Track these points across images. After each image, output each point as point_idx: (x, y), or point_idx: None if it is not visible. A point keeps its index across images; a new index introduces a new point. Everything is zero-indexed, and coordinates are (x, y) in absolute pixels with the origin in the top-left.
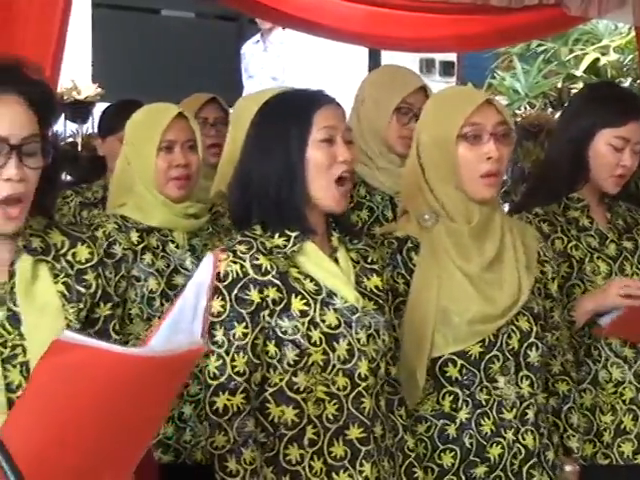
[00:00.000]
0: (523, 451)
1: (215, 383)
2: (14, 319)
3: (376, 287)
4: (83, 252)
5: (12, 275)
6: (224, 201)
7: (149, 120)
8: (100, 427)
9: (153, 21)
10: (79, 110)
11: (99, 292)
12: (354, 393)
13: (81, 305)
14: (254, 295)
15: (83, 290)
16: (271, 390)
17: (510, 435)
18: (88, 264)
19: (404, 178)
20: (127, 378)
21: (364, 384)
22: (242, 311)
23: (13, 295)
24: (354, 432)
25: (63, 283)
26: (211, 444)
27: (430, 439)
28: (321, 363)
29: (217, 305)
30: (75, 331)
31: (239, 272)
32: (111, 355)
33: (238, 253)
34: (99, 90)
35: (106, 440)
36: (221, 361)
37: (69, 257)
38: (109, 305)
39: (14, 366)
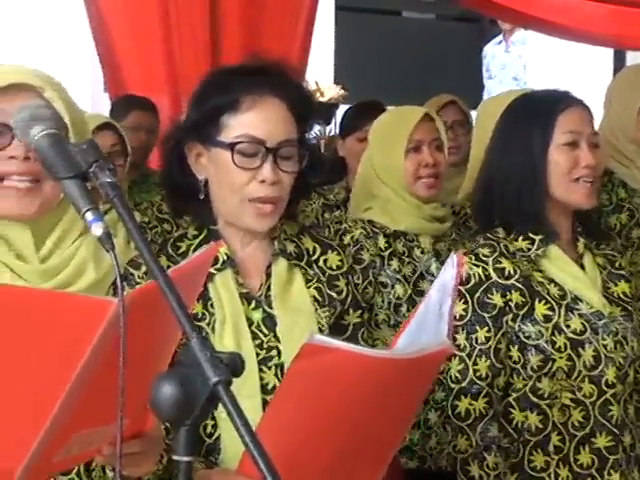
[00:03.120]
0: None
1: (457, 387)
2: (270, 321)
3: (624, 293)
4: (334, 259)
5: (268, 277)
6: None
7: (396, 122)
8: (351, 428)
9: (394, 23)
10: (322, 112)
11: (349, 299)
12: (601, 400)
13: (332, 310)
14: (497, 299)
15: (334, 296)
16: (515, 395)
17: None
18: (339, 271)
19: None
20: (376, 380)
21: (611, 391)
22: (484, 315)
23: (269, 298)
24: (601, 440)
25: (315, 288)
26: (454, 448)
27: None
28: (566, 369)
29: (459, 308)
30: (325, 335)
31: (482, 275)
32: (360, 358)
33: (481, 256)
34: (342, 92)
35: (357, 441)
36: (463, 365)
37: (320, 263)
38: (358, 312)
39: (269, 368)
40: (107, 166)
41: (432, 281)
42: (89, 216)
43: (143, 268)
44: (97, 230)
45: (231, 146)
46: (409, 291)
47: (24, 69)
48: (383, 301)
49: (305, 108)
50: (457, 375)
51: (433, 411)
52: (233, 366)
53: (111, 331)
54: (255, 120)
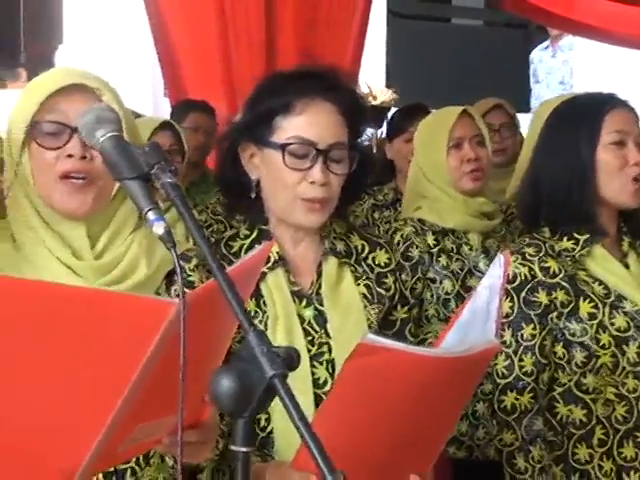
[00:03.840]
0: None
1: (503, 382)
2: (321, 318)
3: None
4: (382, 257)
5: (319, 276)
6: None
7: (436, 122)
8: (402, 422)
9: (444, 29)
10: (374, 115)
11: (397, 295)
12: None
13: (381, 307)
14: (542, 297)
15: (383, 292)
16: (559, 390)
17: None
18: (387, 268)
19: None
20: (426, 377)
21: None
22: (530, 312)
23: (319, 295)
24: None
25: (364, 285)
26: (500, 441)
27: None
28: (610, 365)
29: (506, 306)
30: (375, 332)
31: (527, 275)
32: (412, 356)
33: (527, 256)
34: (394, 95)
35: (407, 434)
36: (509, 361)
37: (369, 261)
38: (405, 308)
39: (321, 363)
40: (169, 167)
41: (480, 277)
42: (151, 215)
43: (194, 261)
44: (159, 229)
45: (282, 147)
46: (457, 286)
47: (82, 71)
48: (432, 296)
49: (356, 113)
50: (503, 371)
51: (481, 403)
52: (289, 360)
53: (172, 330)
54: (306, 123)
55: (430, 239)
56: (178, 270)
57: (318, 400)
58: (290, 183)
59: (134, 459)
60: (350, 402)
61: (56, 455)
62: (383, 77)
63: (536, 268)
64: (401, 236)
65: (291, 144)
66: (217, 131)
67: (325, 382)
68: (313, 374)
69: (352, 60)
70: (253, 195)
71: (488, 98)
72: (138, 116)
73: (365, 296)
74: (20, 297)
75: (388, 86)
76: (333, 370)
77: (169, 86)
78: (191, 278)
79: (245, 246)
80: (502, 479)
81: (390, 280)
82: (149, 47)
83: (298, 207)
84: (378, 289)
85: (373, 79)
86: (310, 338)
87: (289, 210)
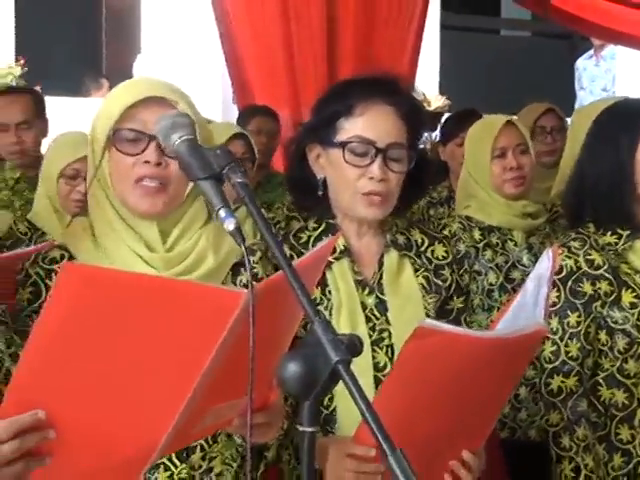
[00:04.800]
0: None
1: (550, 367)
2: (382, 306)
3: None
4: (440, 250)
5: (380, 266)
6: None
7: (481, 131)
8: (456, 401)
9: (493, 40)
10: (429, 120)
11: (453, 286)
12: None
13: (438, 297)
14: (587, 287)
15: (440, 283)
16: (603, 375)
17: None
18: (444, 261)
19: None
20: (480, 358)
21: None
22: (576, 301)
23: (381, 285)
24: None
25: (423, 276)
26: (546, 422)
27: None
28: None
29: (553, 296)
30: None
31: (573, 266)
32: (466, 339)
33: (572, 249)
34: (447, 102)
35: (461, 413)
36: (555, 347)
37: (428, 254)
38: (461, 298)
39: (381, 348)
40: (239, 168)
41: (523, 271)
42: (222, 213)
43: (257, 254)
44: (230, 225)
45: (343, 145)
46: (501, 278)
47: (160, 83)
48: (477, 287)
49: (415, 116)
50: (550, 356)
51: (524, 387)
52: (352, 347)
53: (242, 319)
54: (366, 123)
55: (476, 234)
56: (247, 263)
57: (377, 382)
58: (351, 179)
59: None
60: (408, 383)
61: (136, 436)
62: (436, 85)
63: (581, 260)
64: (449, 231)
65: (351, 142)
66: (280, 134)
67: (384, 366)
68: (373, 358)
69: (408, 68)
70: (320, 193)
71: (541, 103)
72: (209, 122)
73: (423, 286)
74: (109, 286)
75: (441, 93)
76: (392, 355)
77: (237, 93)
78: (255, 270)
79: (313, 237)
80: (542, 459)
81: (447, 272)
82: (219, 58)
83: (359, 201)
84: (436, 280)
85: (427, 86)
86: (371, 324)
87: (352, 204)
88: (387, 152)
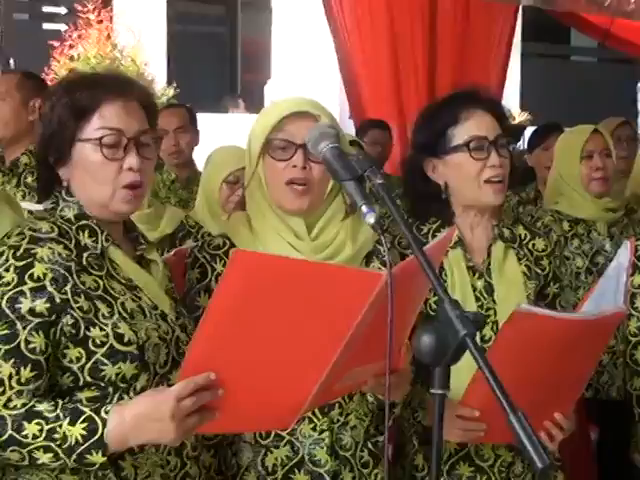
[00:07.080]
0: None
1: (635, 340)
2: (489, 288)
3: None
4: (540, 243)
5: (489, 255)
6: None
7: (573, 137)
8: (550, 372)
9: (565, 65)
10: (512, 132)
11: (550, 274)
12: None
13: (537, 283)
14: None
15: (539, 272)
16: None
17: None
18: (543, 252)
19: None
20: (569, 336)
21: None
22: None
23: (489, 271)
24: None
25: (525, 265)
26: (631, 386)
27: None
28: None
29: (637, 279)
30: (531, 303)
31: None
32: (557, 321)
33: None
34: (528, 117)
35: (554, 382)
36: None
37: (529, 246)
38: (557, 285)
39: (487, 324)
40: (378, 171)
41: (606, 257)
42: (364, 208)
43: (387, 245)
44: (370, 219)
45: (466, 145)
46: (587, 262)
47: (305, 100)
48: (566, 270)
49: (504, 120)
50: (635, 330)
51: (605, 354)
52: (477, 322)
53: (381, 296)
54: (474, 124)
55: (565, 225)
56: (386, 249)
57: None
58: (474, 173)
59: None
60: (508, 355)
61: (289, 394)
62: (517, 102)
63: None
64: (542, 223)
65: (472, 141)
66: (392, 145)
67: (490, 339)
68: (480, 332)
69: (496, 90)
70: (444, 196)
71: (615, 117)
72: None
73: (525, 273)
74: (271, 269)
75: (522, 109)
76: (497, 330)
77: (352, 110)
78: (384, 258)
79: (432, 229)
80: (619, 415)
81: (546, 262)
82: (336, 79)
83: (484, 188)
84: (536, 269)
85: (511, 104)
86: (479, 304)
87: (478, 195)
88: (497, 142)
